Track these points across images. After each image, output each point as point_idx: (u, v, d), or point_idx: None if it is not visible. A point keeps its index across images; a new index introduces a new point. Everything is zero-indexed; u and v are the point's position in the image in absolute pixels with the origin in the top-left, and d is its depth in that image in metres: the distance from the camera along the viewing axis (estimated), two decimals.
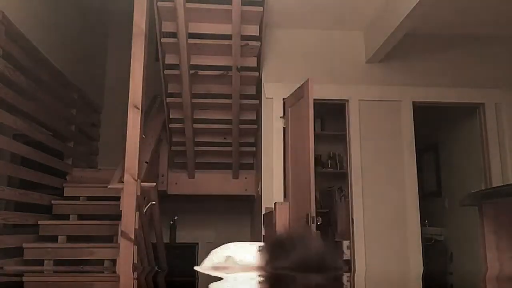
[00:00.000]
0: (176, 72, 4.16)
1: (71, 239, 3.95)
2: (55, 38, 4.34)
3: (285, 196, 4.04)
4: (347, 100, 4.44)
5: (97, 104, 5.62)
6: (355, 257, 4.16)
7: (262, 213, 4.13)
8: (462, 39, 4.55)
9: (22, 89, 3.69)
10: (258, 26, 4.08)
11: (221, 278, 1.34)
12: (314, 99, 3.62)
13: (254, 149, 4.78)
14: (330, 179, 5.50)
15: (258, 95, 4.49)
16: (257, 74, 4.38)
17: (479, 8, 4.01)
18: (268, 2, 3.93)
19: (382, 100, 4.44)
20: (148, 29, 3.29)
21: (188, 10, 3.75)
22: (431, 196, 5.34)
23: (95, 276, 3.50)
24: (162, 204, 3.90)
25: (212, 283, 1.30)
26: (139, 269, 3.22)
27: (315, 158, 3.72)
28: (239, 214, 5.32)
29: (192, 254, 5.28)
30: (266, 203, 4.09)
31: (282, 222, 3.36)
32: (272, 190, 4.18)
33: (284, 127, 4.27)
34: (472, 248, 4.15)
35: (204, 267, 1.33)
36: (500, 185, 3.93)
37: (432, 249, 4.80)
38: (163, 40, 4.02)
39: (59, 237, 3.91)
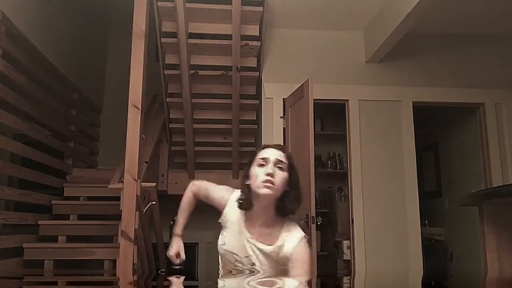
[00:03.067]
0: (176, 72, 4.16)
1: (71, 239, 3.95)
2: (55, 38, 4.34)
3: None
4: (347, 100, 4.44)
5: (97, 104, 5.62)
6: (355, 257, 4.16)
7: None
8: (462, 39, 4.55)
9: (22, 89, 3.69)
10: (258, 26, 4.08)
11: None
12: (314, 99, 3.62)
13: (254, 149, 4.77)
14: (330, 179, 5.50)
15: (258, 95, 4.49)
16: (257, 74, 4.38)
17: (479, 8, 4.01)
18: (268, 2, 3.93)
19: (382, 100, 4.44)
20: (148, 29, 3.29)
21: (188, 10, 3.75)
22: (431, 196, 5.34)
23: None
24: (162, 204, 3.90)
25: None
26: (139, 272, 3.21)
27: (315, 158, 3.72)
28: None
29: (192, 254, 5.28)
30: None
31: None
32: None
33: (284, 127, 4.27)
34: (472, 248, 4.15)
35: None
36: (500, 185, 3.93)
37: (432, 249, 4.80)
38: (163, 40, 4.02)
39: (59, 237, 3.91)
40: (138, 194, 3.06)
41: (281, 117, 4.34)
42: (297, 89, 3.93)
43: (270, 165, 1.64)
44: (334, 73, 4.46)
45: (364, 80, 4.47)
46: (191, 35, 3.95)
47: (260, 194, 1.62)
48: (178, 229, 2.10)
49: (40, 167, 4.01)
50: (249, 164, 1.73)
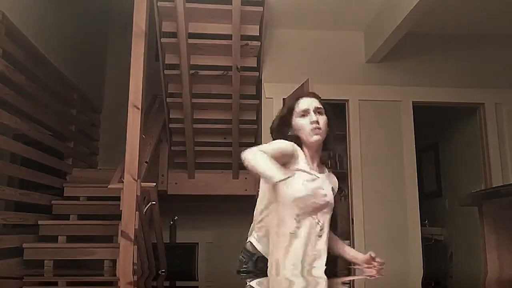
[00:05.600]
0: (176, 72, 4.16)
1: (71, 239, 3.95)
2: (55, 38, 4.34)
3: None
4: (347, 100, 4.44)
5: (97, 104, 5.63)
6: None
7: None
8: (462, 39, 4.55)
9: (22, 89, 3.69)
10: (258, 26, 4.08)
11: None
12: None
13: None
14: None
15: (258, 95, 4.49)
16: (257, 74, 4.38)
17: (479, 8, 4.01)
18: (268, 2, 3.93)
19: (382, 100, 4.44)
20: (148, 29, 3.29)
21: (188, 10, 3.75)
22: (431, 196, 5.34)
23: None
24: (162, 204, 3.90)
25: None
26: (138, 272, 3.21)
27: None
28: (239, 214, 5.29)
29: (192, 254, 5.28)
30: None
31: None
32: None
33: None
34: (472, 248, 4.15)
35: None
36: (500, 185, 3.92)
37: (432, 249, 4.80)
38: (163, 40, 4.02)
39: (59, 237, 3.91)
40: (138, 194, 3.06)
41: None
42: (297, 89, 3.93)
43: (312, 113, 1.79)
44: (334, 73, 4.46)
45: (364, 80, 4.47)
46: (191, 35, 3.95)
47: (312, 141, 1.77)
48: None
49: (40, 167, 4.01)
50: (285, 117, 1.83)
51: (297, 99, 1.87)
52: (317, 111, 1.80)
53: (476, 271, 3.75)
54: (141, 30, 3.21)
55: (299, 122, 1.79)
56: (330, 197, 1.80)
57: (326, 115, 1.83)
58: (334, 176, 1.92)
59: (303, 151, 1.79)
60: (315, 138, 1.76)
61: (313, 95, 1.91)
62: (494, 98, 4.48)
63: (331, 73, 4.45)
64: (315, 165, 1.81)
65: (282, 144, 1.74)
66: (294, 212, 1.71)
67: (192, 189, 4.83)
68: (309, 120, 1.77)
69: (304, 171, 1.74)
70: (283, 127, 1.83)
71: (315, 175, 1.77)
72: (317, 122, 1.77)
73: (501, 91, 4.48)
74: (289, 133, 1.80)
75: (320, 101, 1.85)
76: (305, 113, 1.79)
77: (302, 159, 1.77)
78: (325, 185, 1.80)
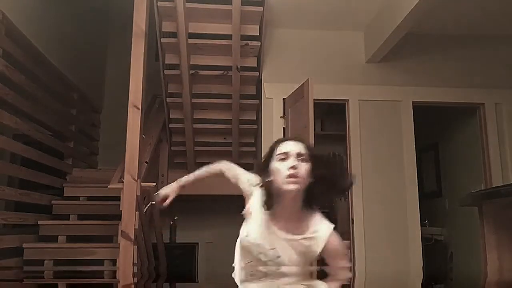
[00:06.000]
0: (176, 72, 4.17)
1: (71, 239, 3.94)
2: (55, 38, 4.34)
3: None
4: (347, 100, 4.44)
5: (97, 104, 5.62)
6: (355, 257, 4.16)
7: None
8: (462, 39, 4.55)
9: (22, 89, 3.69)
10: (258, 26, 4.08)
11: None
12: (314, 99, 3.62)
13: (254, 149, 4.78)
14: None
15: (258, 95, 4.49)
16: (257, 74, 4.38)
17: (479, 8, 4.01)
18: (268, 2, 3.93)
19: (382, 100, 4.44)
20: (148, 29, 3.29)
21: (188, 10, 3.75)
22: (431, 196, 5.34)
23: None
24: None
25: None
26: (138, 275, 3.22)
27: None
28: (239, 214, 5.30)
29: (192, 254, 5.28)
30: None
31: None
32: None
33: (284, 127, 4.27)
34: (472, 248, 4.15)
35: None
36: (500, 185, 3.93)
37: (432, 249, 4.80)
38: (163, 40, 4.02)
39: (59, 237, 3.91)
40: (138, 194, 3.06)
41: (281, 117, 4.33)
42: (297, 89, 3.93)
43: (292, 158, 1.56)
44: (334, 73, 4.46)
45: (364, 80, 4.47)
46: (191, 35, 3.95)
47: (286, 190, 1.53)
48: (183, 181, 2.09)
49: (40, 167, 4.01)
50: (266, 161, 1.64)
51: (281, 141, 1.66)
52: (299, 157, 1.56)
53: (476, 271, 3.75)
54: (141, 30, 3.21)
55: (275, 165, 1.57)
56: (282, 260, 1.57)
57: (314, 165, 1.56)
58: (317, 244, 1.57)
59: (275, 202, 1.57)
60: (289, 187, 1.52)
61: (299, 139, 1.66)
62: (494, 98, 4.48)
63: (331, 73, 4.45)
64: (282, 219, 1.59)
65: (241, 175, 1.82)
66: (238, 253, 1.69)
67: (192, 189, 4.82)
68: (286, 165, 1.54)
69: (255, 217, 1.62)
70: (263, 172, 1.63)
71: (268, 228, 1.59)
72: (295, 168, 1.53)
73: (501, 91, 4.48)
74: (268, 179, 1.58)
75: (306, 148, 1.60)
76: (284, 157, 1.56)
77: (257, 202, 1.62)
78: (279, 244, 1.57)
